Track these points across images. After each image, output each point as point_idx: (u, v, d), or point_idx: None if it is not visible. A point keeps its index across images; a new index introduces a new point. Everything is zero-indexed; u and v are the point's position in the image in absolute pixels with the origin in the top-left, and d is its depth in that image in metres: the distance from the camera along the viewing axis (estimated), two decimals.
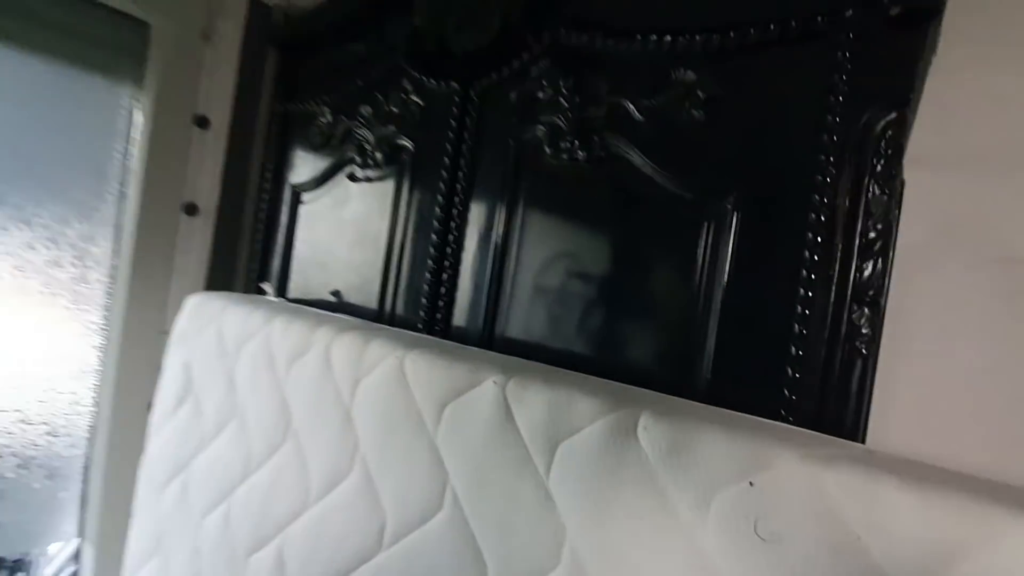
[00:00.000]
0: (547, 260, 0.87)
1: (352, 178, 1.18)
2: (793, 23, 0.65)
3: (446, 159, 1.00)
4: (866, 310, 0.62)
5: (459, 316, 0.96)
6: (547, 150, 0.87)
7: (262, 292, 1.27)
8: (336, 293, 1.22)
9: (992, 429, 0.47)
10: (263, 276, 1.36)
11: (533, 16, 0.89)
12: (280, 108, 1.35)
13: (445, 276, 0.98)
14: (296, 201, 1.30)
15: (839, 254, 0.62)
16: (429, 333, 0.98)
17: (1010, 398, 0.47)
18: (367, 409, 0.77)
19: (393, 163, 1.11)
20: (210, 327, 1.08)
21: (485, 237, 0.94)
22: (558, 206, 0.87)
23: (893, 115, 0.61)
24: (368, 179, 1.15)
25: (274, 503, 0.86)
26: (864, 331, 0.62)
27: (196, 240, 1.33)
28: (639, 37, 0.77)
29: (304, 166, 1.29)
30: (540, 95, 0.89)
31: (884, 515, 0.40)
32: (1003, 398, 0.47)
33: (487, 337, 0.91)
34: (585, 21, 0.84)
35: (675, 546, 0.49)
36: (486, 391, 0.66)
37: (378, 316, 1.08)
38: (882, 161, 0.62)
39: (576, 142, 0.84)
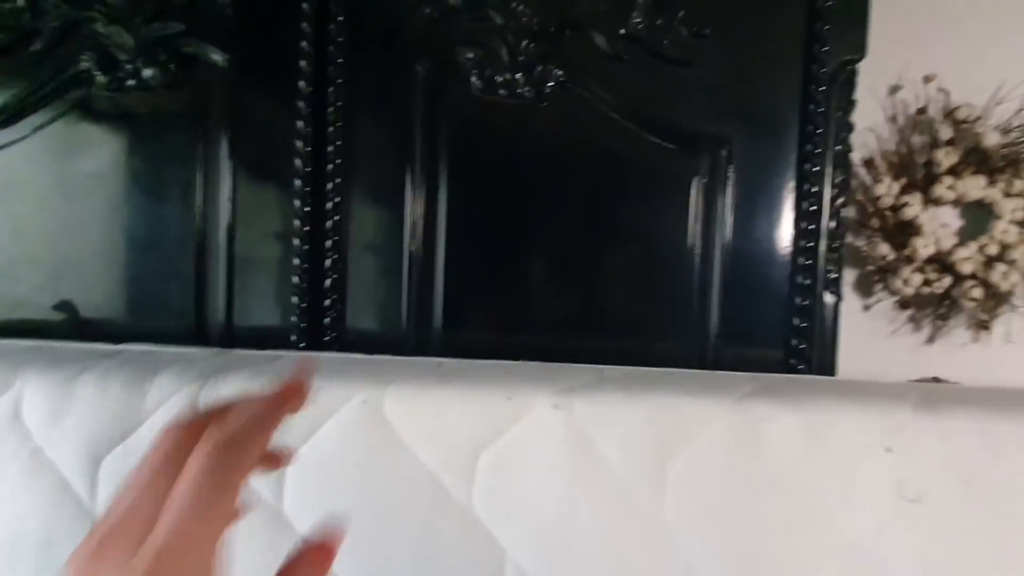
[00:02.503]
0: (490, 229, 0.68)
1: (85, 107, 0.69)
2: None
3: (301, 84, 0.66)
4: (836, 255, 0.68)
5: (361, 315, 0.69)
6: (475, 83, 0.66)
7: None
8: (66, 306, 0.74)
9: None
10: None
11: None
12: None
13: (328, 262, 0.68)
14: None
15: (825, 202, 0.65)
16: (316, 346, 0.68)
17: None
18: (313, 497, 0.48)
19: (182, 86, 0.69)
20: None
21: (392, 203, 0.68)
22: (497, 159, 0.68)
23: (853, 67, 0.65)
24: (123, 112, 0.69)
25: None
26: (833, 275, 0.68)
27: None
28: None
29: None
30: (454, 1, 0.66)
31: None
32: None
33: (419, 338, 0.68)
34: None
35: None
36: (542, 421, 0.48)
37: (198, 332, 0.70)
38: (844, 112, 0.66)
39: (519, 75, 0.66)
